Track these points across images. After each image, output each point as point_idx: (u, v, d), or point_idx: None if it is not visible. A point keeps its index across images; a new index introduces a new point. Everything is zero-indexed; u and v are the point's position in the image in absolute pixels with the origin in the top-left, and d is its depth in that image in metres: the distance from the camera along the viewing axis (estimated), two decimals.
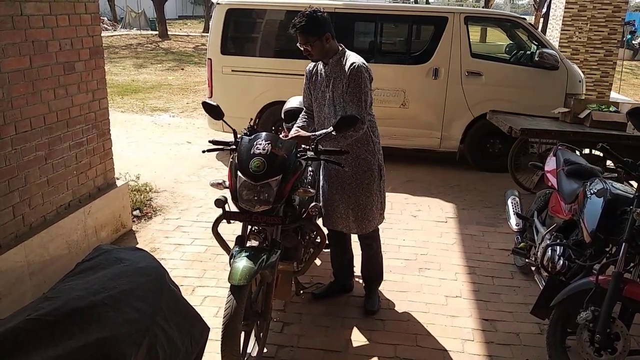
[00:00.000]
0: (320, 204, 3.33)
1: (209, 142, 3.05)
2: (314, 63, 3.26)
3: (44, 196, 3.50)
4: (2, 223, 3.14)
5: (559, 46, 8.89)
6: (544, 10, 21.64)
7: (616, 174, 3.75)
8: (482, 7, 24.76)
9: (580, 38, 8.93)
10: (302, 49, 3.09)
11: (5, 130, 3.12)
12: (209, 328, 2.37)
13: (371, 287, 3.55)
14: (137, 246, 4.13)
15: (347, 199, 3.22)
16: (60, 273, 2.41)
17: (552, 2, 9.77)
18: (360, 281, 3.64)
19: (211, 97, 6.74)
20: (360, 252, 3.52)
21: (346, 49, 3.18)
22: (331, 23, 3.08)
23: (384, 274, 3.61)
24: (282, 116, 3.77)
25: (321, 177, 3.36)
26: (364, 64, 3.08)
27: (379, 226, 3.45)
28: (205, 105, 3.01)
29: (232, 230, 3.12)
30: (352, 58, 3.10)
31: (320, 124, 3.25)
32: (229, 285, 2.49)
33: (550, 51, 6.23)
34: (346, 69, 3.05)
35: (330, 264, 3.67)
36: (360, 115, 2.98)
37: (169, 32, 25.01)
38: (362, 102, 3.03)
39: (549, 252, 3.19)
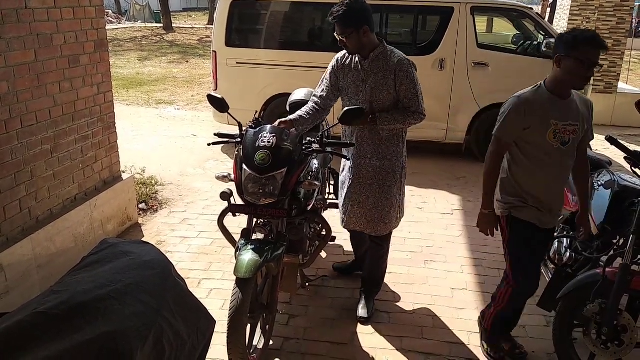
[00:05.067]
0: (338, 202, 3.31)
1: (214, 134, 3.05)
2: (345, 53, 3.10)
3: (50, 189, 3.52)
4: (9, 216, 3.15)
5: None
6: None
7: None
8: None
9: (587, 28, 8.83)
10: (338, 39, 2.97)
11: (11, 123, 3.12)
12: (215, 321, 2.37)
13: (368, 292, 3.39)
14: (143, 239, 4.15)
15: (364, 200, 3.12)
16: (67, 266, 2.42)
17: None
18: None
19: (216, 89, 6.73)
20: (369, 251, 3.39)
21: (386, 45, 3.05)
22: (372, 14, 2.94)
23: (387, 269, 3.50)
24: (288, 108, 3.75)
25: (342, 173, 3.30)
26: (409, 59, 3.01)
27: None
28: (210, 98, 3.00)
29: (237, 223, 3.12)
30: (399, 54, 3.00)
31: None
32: (234, 278, 2.49)
33: None
34: (392, 65, 2.95)
35: (352, 246, 3.70)
36: (420, 109, 2.99)
37: (173, 25, 24.97)
38: (418, 97, 2.99)
39: (556, 244, 3.18)
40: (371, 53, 3.00)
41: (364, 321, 3.24)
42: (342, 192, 3.27)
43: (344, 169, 3.29)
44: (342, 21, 2.88)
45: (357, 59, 3.06)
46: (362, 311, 3.29)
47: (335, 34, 2.99)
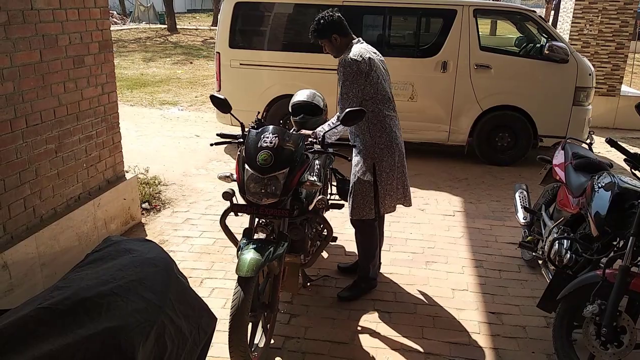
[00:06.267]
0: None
1: (217, 135, 3.07)
2: (366, 52, 3.26)
3: (55, 189, 3.55)
4: (14, 215, 3.18)
5: (570, 39, 8.80)
6: (555, 2, 21.41)
7: None
8: (492, 0, 24.55)
9: (591, 31, 8.83)
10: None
11: (16, 123, 3.15)
12: (217, 318, 2.39)
13: (357, 279, 3.57)
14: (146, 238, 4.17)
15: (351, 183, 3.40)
16: (70, 264, 2.45)
17: None
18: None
19: (219, 90, 6.77)
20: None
21: (354, 44, 3.27)
22: (340, 23, 3.25)
23: (378, 271, 3.67)
24: (290, 109, 3.77)
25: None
26: (355, 57, 3.15)
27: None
28: (214, 99, 3.03)
29: (240, 223, 3.15)
30: (350, 53, 3.20)
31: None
32: (236, 277, 2.52)
33: (560, 44, 6.18)
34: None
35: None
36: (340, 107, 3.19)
37: (177, 26, 25.04)
38: (341, 95, 3.21)
39: (557, 246, 3.18)
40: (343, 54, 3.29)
41: (339, 297, 3.48)
42: None
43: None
44: (314, 35, 3.30)
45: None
46: (343, 289, 3.54)
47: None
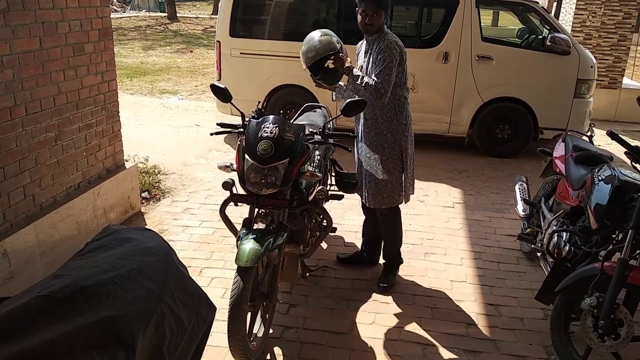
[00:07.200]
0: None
1: (217, 124, 3.07)
2: (359, 44, 3.32)
3: (54, 177, 3.54)
4: (14, 203, 3.18)
5: (572, 31, 8.75)
6: None
7: None
8: None
9: (593, 22, 8.78)
10: (365, 19, 3.17)
11: (16, 111, 3.14)
12: (216, 307, 2.40)
13: (387, 265, 3.65)
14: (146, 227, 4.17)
15: (365, 171, 3.39)
16: (70, 253, 2.45)
17: None
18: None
19: (220, 79, 6.74)
20: (381, 225, 3.61)
21: (386, 29, 3.30)
22: None
23: (379, 260, 3.72)
24: (306, 66, 3.28)
25: (356, 147, 3.51)
26: (399, 43, 3.22)
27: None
28: (214, 88, 3.01)
29: (239, 213, 3.15)
30: (391, 38, 3.22)
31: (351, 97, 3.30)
32: (235, 266, 2.52)
33: (562, 36, 6.15)
34: (381, 44, 3.17)
35: (361, 233, 3.82)
36: (379, 80, 3.11)
37: (178, 14, 24.88)
38: (383, 70, 3.13)
39: (555, 238, 3.19)
40: (375, 34, 3.24)
41: (383, 290, 3.50)
42: (359, 168, 3.50)
43: (356, 150, 3.52)
44: (379, 0, 3.14)
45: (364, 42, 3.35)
46: (380, 280, 3.57)
47: (360, 14, 3.18)
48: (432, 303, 3.42)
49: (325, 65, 3.28)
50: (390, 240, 3.61)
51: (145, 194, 4.93)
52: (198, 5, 36.18)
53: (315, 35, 3.27)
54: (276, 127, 2.72)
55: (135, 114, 7.99)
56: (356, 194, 3.56)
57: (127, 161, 4.59)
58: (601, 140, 6.82)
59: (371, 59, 3.22)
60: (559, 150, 3.78)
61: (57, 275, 1.83)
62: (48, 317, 1.63)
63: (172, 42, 17.58)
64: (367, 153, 3.37)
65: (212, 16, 25.66)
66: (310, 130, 3.01)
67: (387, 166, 3.32)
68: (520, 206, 4.04)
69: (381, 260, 3.81)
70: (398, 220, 3.57)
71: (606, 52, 8.87)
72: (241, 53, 6.66)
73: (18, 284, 3.03)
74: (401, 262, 3.69)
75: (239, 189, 2.82)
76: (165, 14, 24.93)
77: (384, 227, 3.58)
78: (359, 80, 3.14)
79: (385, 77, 3.13)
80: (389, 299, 3.45)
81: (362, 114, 3.35)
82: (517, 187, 4.23)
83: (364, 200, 3.51)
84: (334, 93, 3.50)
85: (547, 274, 3.17)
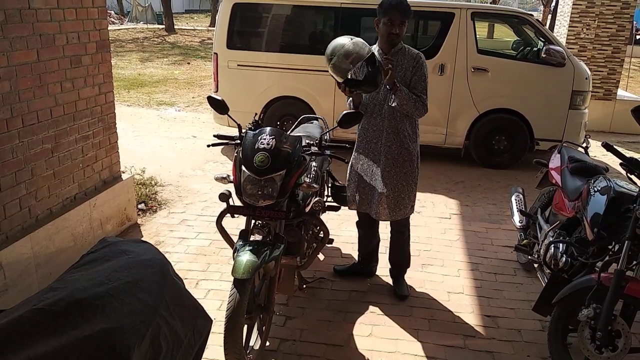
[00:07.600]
0: (348, 191, 3.48)
1: (214, 136, 3.07)
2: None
3: (50, 189, 3.53)
4: (9, 215, 3.17)
5: (567, 43, 8.84)
6: (552, 6, 21.49)
7: None
8: (490, 3, 24.64)
9: (588, 35, 8.87)
10: (391, 28, 3.16)
11: (13, 122, 3.14)
12: (212, 320, 2.38)
13: (400, 273, 3.64)
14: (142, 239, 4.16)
15: (383, 186, 3.30)
16: (65, 265, 2.44)
17: None
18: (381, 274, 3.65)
19: (217, 91, 6.77)
20: (390, 238, 3.61)
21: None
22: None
23: (375, 272, 3.73)
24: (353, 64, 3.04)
25: (354, 161, 3.45)
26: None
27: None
28: (211, 100, 3.02)
29: (236, 225, 3.14)
30: (414, 50, 3.34)
31: (371, 109, 3.32)
32: (232, 278, 2.51)
33: (557, 48, 6.21)
34: (410, 57, 3.28)
35: (358, 246, 3.78)
36: (426, 102, 3.30)
37: (175, 26, 25.04)
38: (426, 90, 3.32)
39: (552, 249, 3.19)
40: (392, 48, 3.27)
41: (405, 298, 3.52)
42: (354, 180, 3.42)
43: (355, 163, 3.44)
44: (406, 9, 3.12)
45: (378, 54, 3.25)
46: (399, 290, 3.57)
47: (385, 23, 3.16)
48: (430, 315, 3.41)
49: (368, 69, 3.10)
50: (404, 250, 3.61)
51: (141, 206, 4.91)
52: (195, 18, 36.40)
53: (343, 40, 2.99)
54: (273, 138, 2.73)
55: (133, 126, 8.00)
56: None
57: (123, 173, 4.58)
58: (597, 152, 6.86)
59: (407, 71, 3.26)
60: (555, 161, 3.80)
61: (52, 288, 1.82)
62: (43, 330, 1.63)
63: (169, 54, 17.66)
64: (387, 167, 3.28)
65: (210, 28, 25.82)
66: (307, 141, 3.01)
67: (408, 177, 3.34)
68: (516, 217, 4.05)
69: (381, 273, 3.81)
70: (409, 224, 3.60)
71: (601, 64, 8.95)
72: (238, 65, 6.69)
73: (13, 297, 3.01)
74: (409, 265, 3.70)
75: (235, 201, 2.82)
76: (163, 26, 25.08)
77: (399, 238, 3.56)
78: (408, 97, 3.18)
79: (424, 90, 3.27)
80: (386, 310, 3.43)
81: (384, 129, 3.26)
82: (513, 198, 4.24)
83: (374, 216, 3.40)
84: (350, 100, 3.28)
85: (544, 285, 3.17)
